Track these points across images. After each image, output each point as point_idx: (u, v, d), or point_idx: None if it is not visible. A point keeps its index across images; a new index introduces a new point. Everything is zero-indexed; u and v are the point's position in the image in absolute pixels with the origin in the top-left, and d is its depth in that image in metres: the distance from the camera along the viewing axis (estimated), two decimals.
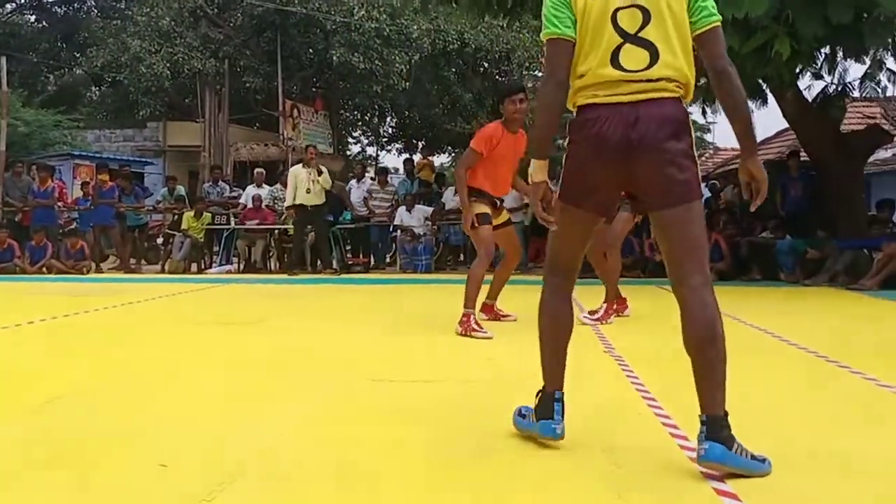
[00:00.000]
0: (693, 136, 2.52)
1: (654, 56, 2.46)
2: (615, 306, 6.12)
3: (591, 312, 6.01)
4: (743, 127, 2.53)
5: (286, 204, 12.00)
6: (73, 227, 13.32)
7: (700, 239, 2.50)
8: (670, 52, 2.46)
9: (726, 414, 2.41)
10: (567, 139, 2.61)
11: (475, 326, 5.33)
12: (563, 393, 2.65)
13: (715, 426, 2.36)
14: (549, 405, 2.62)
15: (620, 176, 2.52)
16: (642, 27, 2.46)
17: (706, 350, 2.44)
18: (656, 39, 2.46)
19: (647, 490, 2.28)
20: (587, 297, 6.43)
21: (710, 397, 2.41)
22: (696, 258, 2.48)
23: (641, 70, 2.45)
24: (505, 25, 20.45)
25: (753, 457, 2.39)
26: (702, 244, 2.52)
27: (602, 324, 5.84)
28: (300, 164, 11.80)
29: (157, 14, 21.54)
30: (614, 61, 2.47)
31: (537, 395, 2.70)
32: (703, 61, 2.52)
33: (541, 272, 2.90)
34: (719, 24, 2.50)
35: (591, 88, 2.51)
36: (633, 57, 2.46)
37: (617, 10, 2.47)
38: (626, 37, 2.47)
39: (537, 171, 2.58)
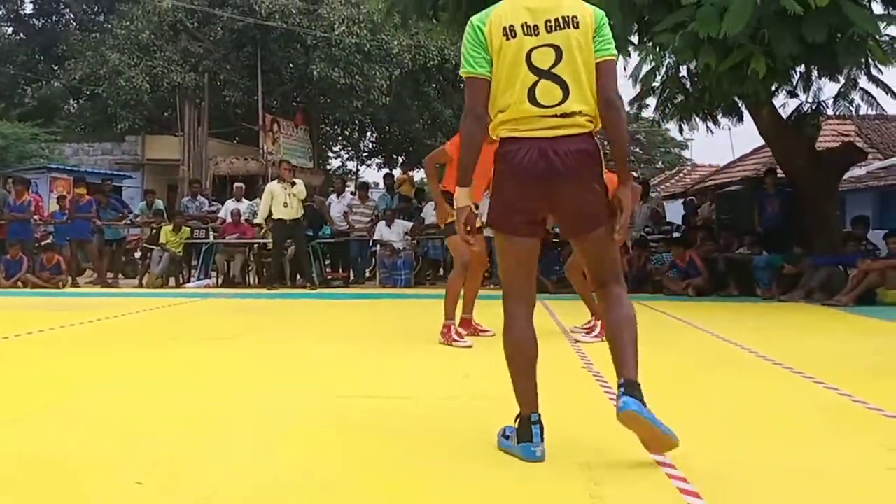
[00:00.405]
0: (603, 165, 2.75)
1: (566, 92, 2.68)
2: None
3: (587, 329, 6.05)
4: (621, 157, 2.85)
5: (257, 220, 12.01)
6: (49, 241, 13.20)
7: (616, 254, 2.91)
8: (580, 87, 2.68)
9: (639, 382, 2.66)
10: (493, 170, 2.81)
11: (455, 336, 5.46)
12: (539, 415, 2.72)
13: (632, 387, 2.62)
14: (527, 428, 2.69)
15: (543, 202, 2.75)
16: (555, 64, 2.68)
17: (622, 328, 2.79)
18: (567, 76, 2.68)
19: None
20: (570, 311, 6.45)
21: (628, 365, 2.68)
22: (614, 271, 2.87)
23: (555, 105, 2.68)
24: None
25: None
26: (617, 258, 2.92)
27: (602, 340, 5.87)
28: (276, 181, 11.81)
29: (137, 27, 21.49)
30: (531, 97, 2.68)
31: (516, 420, 2.76)
32: (596, 89, 2.72)
33: (493, 287, 3.20)
34: (613, 58, 2.75)
35: (512, 122, 2.72)
36: (548, 92, 2.68)
37: (531, 49, 2.67)
38: (541, 74, 2.68)
39: (462, 196, 2.82)
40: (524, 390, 2.76)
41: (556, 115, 2.67)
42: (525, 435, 2.69)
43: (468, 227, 2.81)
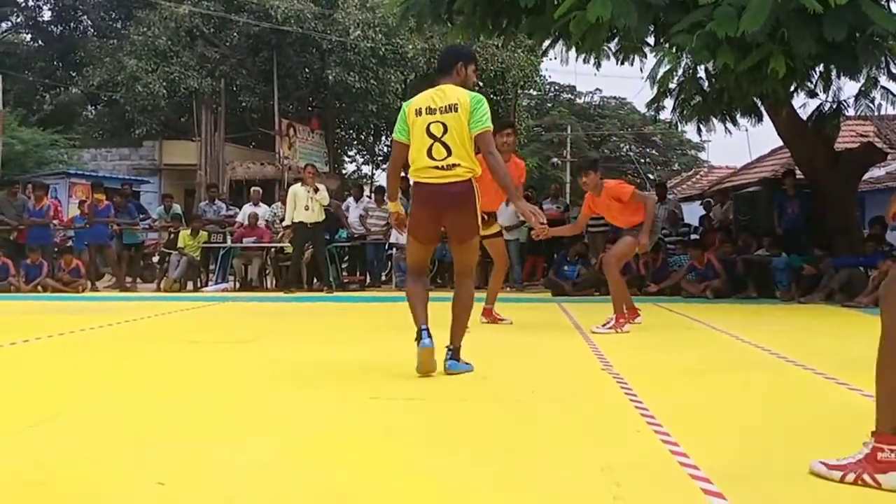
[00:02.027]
0: (476, 200, 4.29)
1: (449, 152, 4.21)
2: (627, 315, 6.55)
3: (606, 325, 6.43)
4: (503, 186, 4.44)
5: (285, 223, 12.00)
6: (68, 245, 13.28)
7: (472, 259, 4.57)
8: (458, 148, 4.21)
9: (459, 347, 4.41)
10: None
11: (498, 317, 6.89)
12: (426, 326, 4.26)
13: (454, 352, 4.38)
14: (419, 334, 4.24)
15: (435, 223, 4.39)
16: (443, 134, 4.20)
17: (458, 310, 4.45)
18: (450, 142, 4.20)
19: None
20: (587, 313, 6.43)
21: (456, 334, 4.42)
22: (468, 269, 4.54)
23: (442, 160, 4.21)
24: (500, 45, 20.59)
25: (466, 363, 4.41)
26: (472, 262, 4.59)
27: (617, 332, 6.23)
28: (299, 183, 11.82)
29: (154, 33, 21.63)
30: (429, 154, 4.23)
31: (415, 338, 4.28)
32: (477, 150, 4.29)
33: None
34: (486, 130, 4.22)
35: (417, 171, 4.30)
36: (439, 152, 4.22)
37: (430, 123, 4.22)
38: (435, 139, 4.21)
39: (392, 206, 4.81)
40: (417, 314, 4.34)
41: (441, 168, 4.20)
42: (418, 336, 4.23)
43: (398, 224, 4.86)
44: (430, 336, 4.22)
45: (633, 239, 6.50)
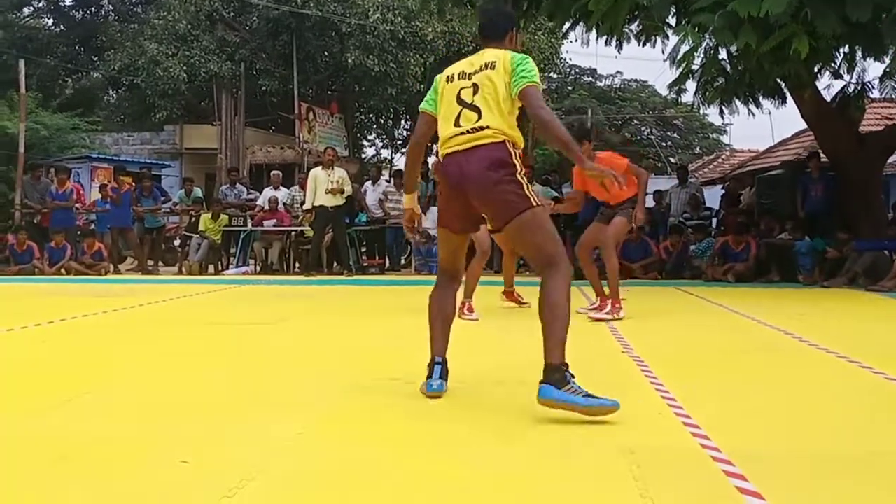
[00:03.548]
0: (516, 164, 3.27)
1: (479, 115, 3.34)
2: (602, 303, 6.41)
3: (593, 308, 6.44)
4: (571, 154, 3.34)
5: (305, 206, 12.02)
6: (90, 228, 13.41)
7: (541, 241, 3.27)
8: (490, 111, 3.33)
9: (564, 364, 3.05)
10: None
11: (465, 312, 6.20)
12: (442, 358, 3.47)
13: (550, 371, 3.04)
14: (431, 368, 3.43)
15: (462, 201, 3.37)
16: (473, 97, 3.38)
17: (546, 315, 3.17)
18: (481, 104, 3.35)
19: (669, 489, 2.27)
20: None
21: (548, 349, 3.11)
22: (546, 256, 3.25)
23: (471, 126, 3.34)
24: (520, 27, 20.43)
25: (589, 395, 2.95)
26: (539, 244, 3.28)
27: (614, 317, 6.07)
28: (319, 167, 11.82)
29: (174, 17, 21.70)
30: (456, 123, 3.39)
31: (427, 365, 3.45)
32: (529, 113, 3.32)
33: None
34: (531, 84, 3.30)
35: (444, 144, 3.42)
36: (467, 118, 3.37)
37: (461, 89, 3.43)
38: (464, 105, 3.39)
39: (406, 200, 3.79)
40: (436, 339, 3.53)
41: (468, 132, 3.34)
42: (429, 372, 3.42)
43: (413, 224, 3.79)
44: (443, 375, 3.43)
45: (624, 219, 6.23)
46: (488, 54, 3.46)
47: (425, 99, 3.61)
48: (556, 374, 3.00)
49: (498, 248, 7.70)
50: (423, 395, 3.40)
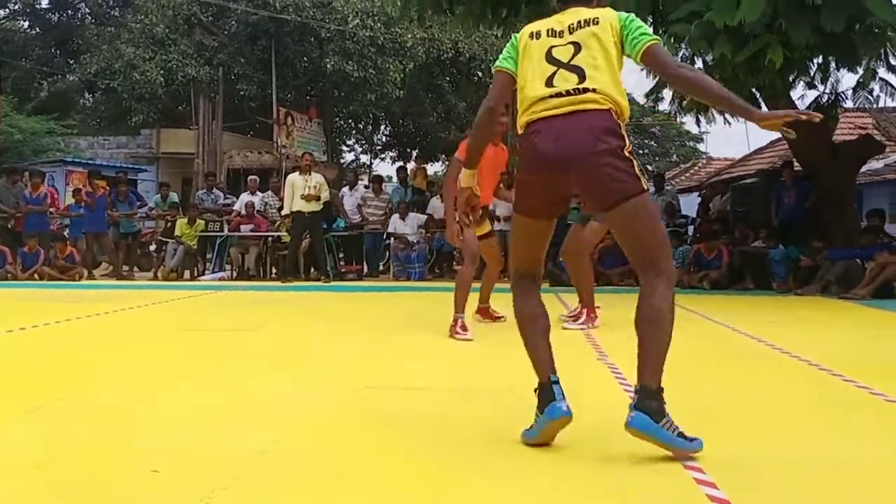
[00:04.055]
0: (625, 138, 2.74)
1: (582, 76, 2.79)
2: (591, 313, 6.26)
3: (573, 317, 6.26)
4: (735, 110, 2.87)
5: (283, 212, 11.98)
6: (62, 233, 13.26)
7: (645, 236, 2.73)
8: (597, 72, 2.79)
9: (661, 388, 2.61)
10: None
11: (459, 330, 5.53)
12: (557, 377, 2.77)
13: (645, 396, 2.57)
14: (549, 391, 2.71)
15: (556, 178, 2.78)
16: (573, 57, 2.83)
17: (644, 327, 2.72)
18: (585, 65, 2.80)
19: (641, 497, 2.28)
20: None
21: (643, 369, 2.64)
22: (646, 253, 2.75)
23: (571, 87, 2.78)
24: (499, 35, 20.51)
25: (682, 435, 2.56)
26: (647, 238, 2.74)
27: (588, 328, 6.01)
28: (297, 172, 11.79)
29: (152, 21, 21.56)
30: (549, 83, 2.82)
31: (536, 392, 2.77)
32: (662, 78, 2.75)
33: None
34: (655, 42, 2.80)
35: (530, 108, 2.84)
36: (565, 79, 2.80)
37: (552, 47, 2.87)
38: (559, 65, 2.83)
39: (466, 177, 3.06)
40: (540, 358, 2.83)
41: (568, 93, 2.77)
42: (547, 397, 2.69)
43: (470, 209, 3.05)
44: (564, 396, 2.72)
45: (600, 224, 6.06)
46: (583, 11, 2.91)
47: (502, 56, 3.01)
48: (653, 403, 2.57)
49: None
50: (394, 403, 3.39)
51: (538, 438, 2.72)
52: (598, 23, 2.84)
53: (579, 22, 2.86)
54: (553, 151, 2.73)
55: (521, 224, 2.94)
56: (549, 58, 2.85)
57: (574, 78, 2.79)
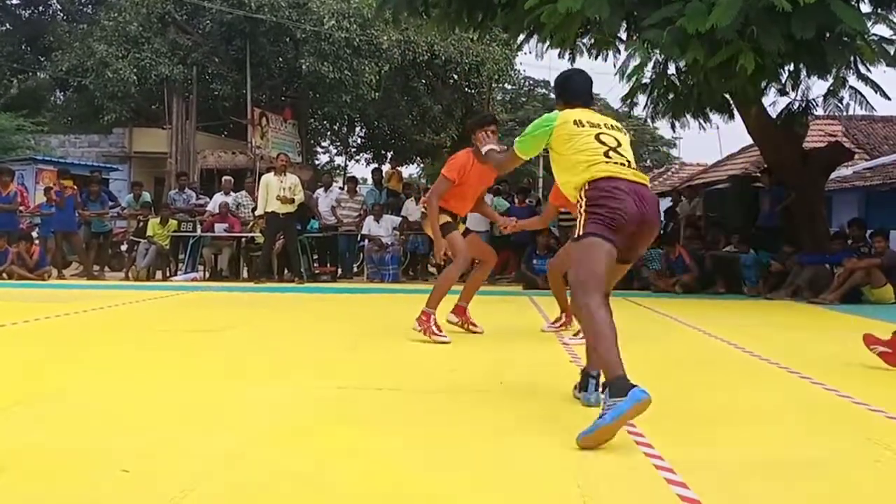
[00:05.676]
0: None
1: (628, 163, 3.44)
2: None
3: (555, 322, 6.27)
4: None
5: (257, 212, 11.90)
6: (30, 232, 13.06)
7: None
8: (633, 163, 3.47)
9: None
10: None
11: (435, 330, 5.36)
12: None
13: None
14: (627, 381, 2.88)
15: (638, 229, 3.33)
16: (617, 146, 3.48)
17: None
18: (626, 154, 3.49)
19: (611, 498, 2.30)
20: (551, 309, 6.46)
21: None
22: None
23: (630, 161, 3.45)
24: (475, 38, 20.58)
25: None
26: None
27: (566, 329, 6.05)
28: (271, 173, 11.71)
29: (125, 19, 21.35)
30: (606, 155, 3.42)
31: (605, 388, 2.95)
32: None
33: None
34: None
35: (599, 164, 3.38)
36: (619, 157, 3.43)
37: (598, 134, 3.49)
38: (610, 147, 3.46)
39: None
40: (616, 358, 3.03)
41: (629, 165, 3.42)
42: (625, 386, 2.85)
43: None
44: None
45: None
46: (603, 117, 3.67)
47: (523, 140, 3.70)
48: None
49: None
50: (366, 403, 3.38)
51: (623, 419, 2.80)
52: (623, 130, 3.68)
53: (611, 125, 3.61)
54: (639, 205, 3.29)
55: (609, 258, 3.27)
56: (598, 140, 3.47)
57: (624, 159, 3.43)
